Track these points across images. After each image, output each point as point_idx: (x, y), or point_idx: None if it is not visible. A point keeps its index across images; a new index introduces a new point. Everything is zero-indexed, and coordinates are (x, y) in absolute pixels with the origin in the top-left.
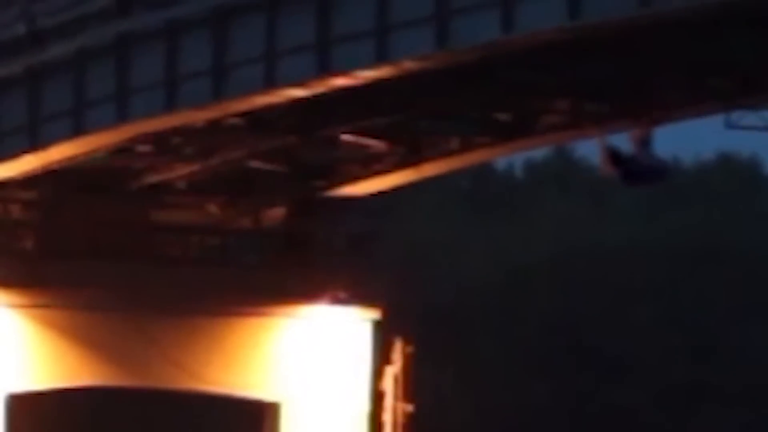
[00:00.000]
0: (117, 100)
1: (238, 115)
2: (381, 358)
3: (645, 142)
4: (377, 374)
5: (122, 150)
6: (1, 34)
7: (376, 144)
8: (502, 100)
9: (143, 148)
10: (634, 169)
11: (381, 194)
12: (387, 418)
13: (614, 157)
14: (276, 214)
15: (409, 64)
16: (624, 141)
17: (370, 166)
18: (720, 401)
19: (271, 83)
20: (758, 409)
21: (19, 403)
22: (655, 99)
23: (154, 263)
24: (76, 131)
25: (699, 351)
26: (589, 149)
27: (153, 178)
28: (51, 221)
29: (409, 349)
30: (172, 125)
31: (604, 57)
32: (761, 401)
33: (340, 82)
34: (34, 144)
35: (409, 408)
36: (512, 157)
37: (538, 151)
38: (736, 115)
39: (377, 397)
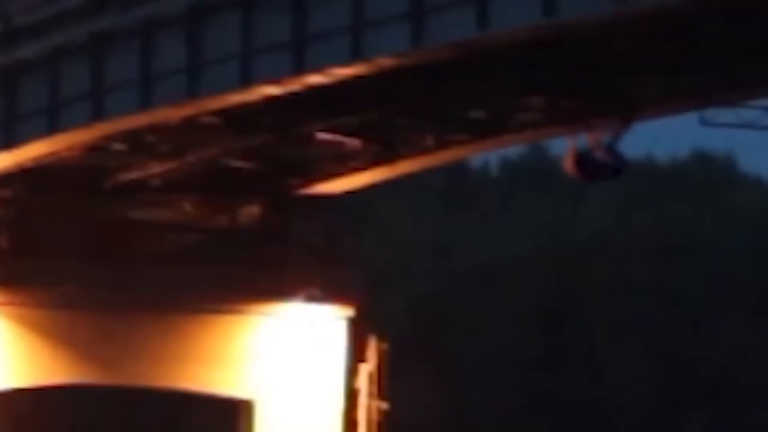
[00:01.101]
0: (92, 98)
1: (213, 113)
2: (355, 355)
3: (603, 141)
4: (352, 372)
5: (97, 148)
6: None
7: (351, 142)
8: (477, 97)
9: (118, 146)
10: (593, 166)
11: (356, 192)
12: (361, 415)
13: (578, 157)
14: (251, 211)
15: (384, 62)
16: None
17: (346, 164)
18: (695, 397)
19: (246, 81)
20: (728, 405)
21: None
22: (630, 96)
23: (129, 261)
24: (51, 129)
25: (673, 347)
26: (565, 147)
27: (128, 176)
28: (26, 219)
29: (384, 346)
30: (148, 123)
31: (579, 55)
32: (732, 396)
33: (316, 79)
34: (9, 142)
35: (384, 406)
36: (487, 155)
37: (514, 148)
38: (711, 113)
39: (351, 395)
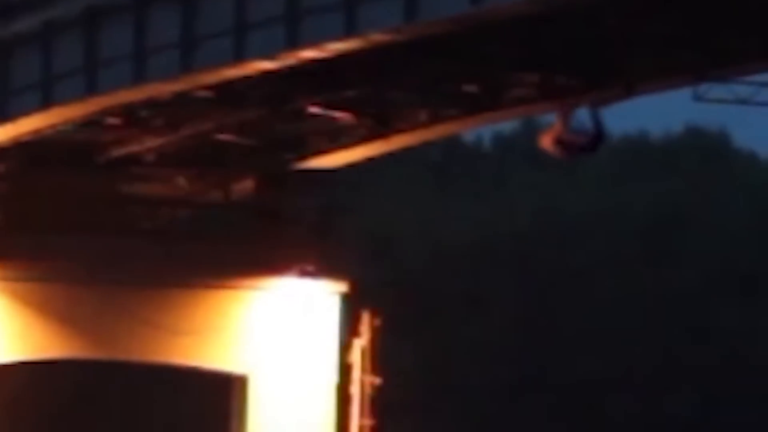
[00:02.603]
0: (85, 72)
1: (206, 88)
2: (348, 330)
3: (568, 121)
4: (345, 347)
5: (91, 122)
6: None
7: (344, 116)
8: (470, 72)
9: (112, 121)
10: (571, 143)
11: (350, 167)
12: (354, 390)
13: (555, 137)
14: (245, 186)
15: (377, 37)
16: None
17: (339, 139)
18: (687, 375)
19: (240, 56)
20: (723, 381)
21: None
22: (623, 72)
23: (122, 236)
24: (45, 104)
25: (665, 323)
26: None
27: (122, 151)
28: (19, 194)
29: (377, 321)
30: (141, 98)
31: (572, 30)
32: (726, 374)
33: (309, 54)
34: (3, 116)
35: (377, 380)
36: (481, 130)
37: (507, 123)
38: (705, 88)
39: (345, 370)
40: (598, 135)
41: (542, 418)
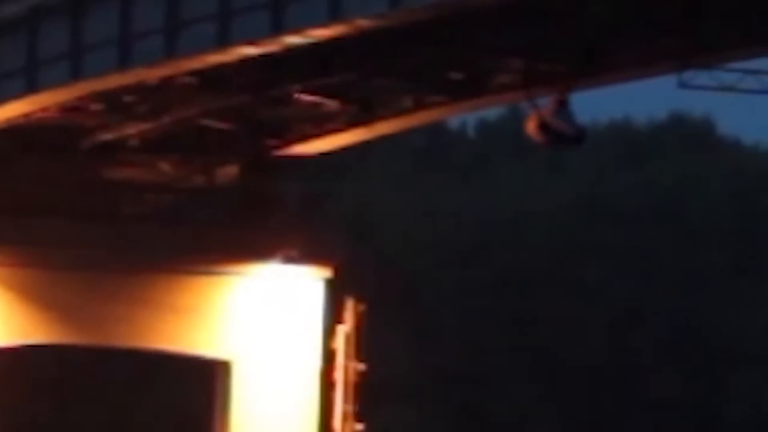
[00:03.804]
0: (70, 58)
1: (191, 74)
2: (333, 316)
3: (560, 109)
4: (329, 333)
5: (75, 108)
6: None
7: (328, 102)
8: (455, 59)
9: (96, 106)
10: (556, 134)
11: (334, 153)
12: (338, 376)
13: (540, 122)
14: (229, 172)
15: (362, 23)
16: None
17: (323, 125)
18: (670, 361)
19: (224, 41)
20: (703, 367)
21: None
22: (608, 59)
23: (106, 221)
24: (29, 89)
25: (647, 310)
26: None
27: (106, 136)
28: (3, 179)
29: (361, 307)
30: (125, 83)
31: (557, 17)
32: (708, 357)
33: (293, 40)
34: None
35: (361, 366)
36: (465, 116)
37: (491, 110)
38: (689, 75)
39: (329, 356)
40: (581, 128)
41: (529, 402)
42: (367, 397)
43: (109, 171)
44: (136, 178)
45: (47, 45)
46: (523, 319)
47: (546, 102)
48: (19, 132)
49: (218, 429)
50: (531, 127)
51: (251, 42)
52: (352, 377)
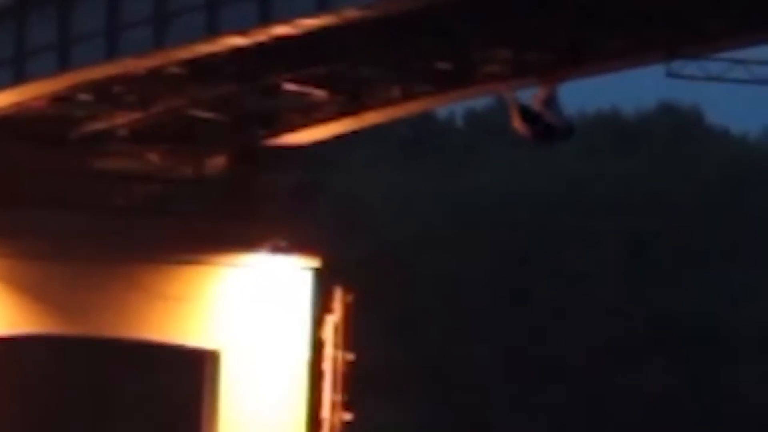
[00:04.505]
0: (58, 48)
1: (179, 64)
2: (321, 306)
3: (549, 101)
4: (317, 323)
5: (63, 98)
6: None
7: (317, 93)
8: (443, 49)
9: (84, 97)
10: (542, 128)
11: (322, 143)
12: (327, 366)
13: (525, 114)
14: (217, 162)
15: (350, 13)
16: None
17: (311, 115)
18: (654, 347)
19: (212, 32)
20: (689, 356)
21: None
22: (596, 49)
23: (95, 212)
24: (18, 79)
25: (634, 299)
26: (530, 98)
27: (94, 127)
28: None
29: (349, 298)
30: (114, 74)
31: (545, 6)
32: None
33: (282, 30)
34: None
35: (349, 356)
36: (453, 106)
37: (479, 100)
38: (678, 65)
39: (317, 346)
40: (569, 122)
41: (518, 395)
42: (355, 386)
43: (97, 161)
44: (125, 169)
45: (35, 35)
46: (511, 308)
47: (531, 94)
48: (7, 122)
49: (207, 418)
50: (516, 121)
51: (239, 32)
52: (340, 367)
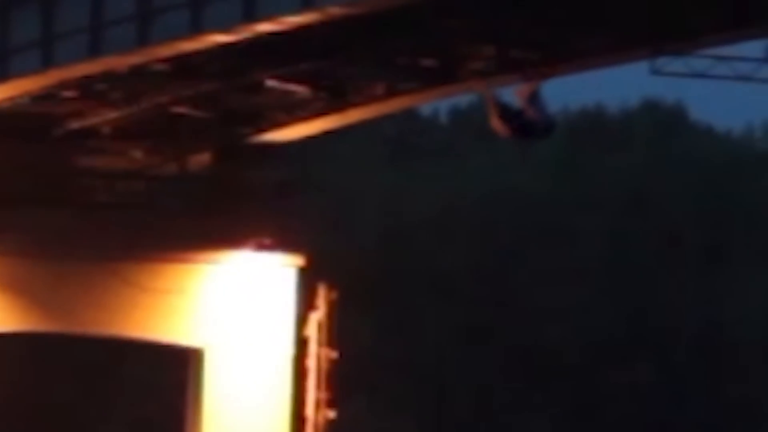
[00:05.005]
0: (42, 45)
1: (163, 61)
2: (305, 304)
3: (532, 97)
4: (301, 320)
5: (47, 95)
6: None
7: (301, 90)
8: (427, 46)
9: (68, 94)
10: (523, 124)
11: (306, 140)
12: (311, 364)
13: (503, 112)
14: (201, 160)
15: (334, 10)
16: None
17: (295, 112)
18: (641, 348)
19: (196, 29)
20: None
21: None
22: (580, 45)
23: (78, 209)
24: (1, 77)
25: (618, 297)
26: (513, 94)
27: (78, 124)
28: None
29: (333, 295)
30: (97, 71)
31: (529, 3)
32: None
33: (266, 27)
34: None
35: (333, 354)
36: (437, 103)
37: (463, 97)
38: (661, 62)
39: (301, 343)
40: (551, 118)
41: (504, 393)
42: (340, 384)
43: (81, 158)
44: (109, 166)
45: (18, 33)
46: (499, 306)
47: (513, 90)
48: None
49: (191, 416)
50: (494, 119)
51: (224, 29)
52: (324, 365)
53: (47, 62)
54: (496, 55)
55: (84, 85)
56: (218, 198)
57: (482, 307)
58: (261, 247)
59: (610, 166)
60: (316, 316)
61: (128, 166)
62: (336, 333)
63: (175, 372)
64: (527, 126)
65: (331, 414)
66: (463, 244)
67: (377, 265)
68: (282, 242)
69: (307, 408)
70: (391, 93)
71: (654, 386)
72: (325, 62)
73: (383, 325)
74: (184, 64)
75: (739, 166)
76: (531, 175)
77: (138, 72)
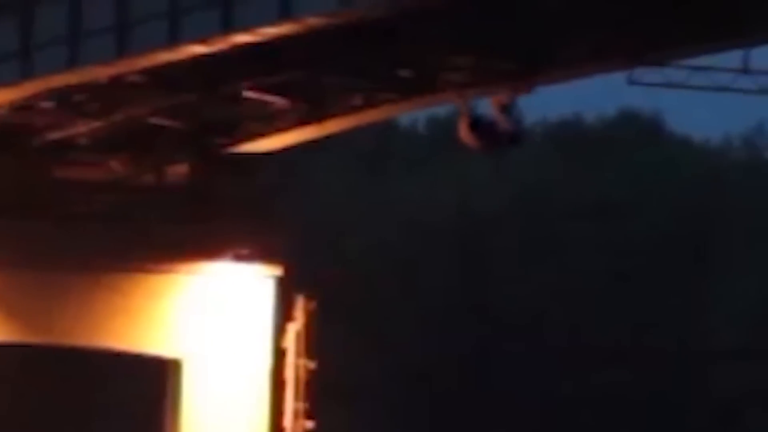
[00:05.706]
0: (20, 56)
1: (141, 72)
2: (283, 314)
3: (506, 108)
4: (279, 331)
5: (24, 106)
6: None
7: (278, 101)
8: (405, 56)
9: (46, 105)
10: (491, 135)
11: (284, 151)
12: (289, 374)
13: (473, 123)
14: (179, 170)
15: (312, 21)
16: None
17: (273, 123)
18: (626, 359)
19: (174, 40)
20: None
21: None
22: (559, 56)
23: (56, 220)
24: None
25: (600, 307)
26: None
27: (55, 135)
28: None
29: (311, 305)
30: (75, 81)
31: (507, 13)
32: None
33: (243, 39)
34: None
35: (311, 365)
36: (415, 114)
37: (442, 107)
38: (639, 72)
39: (279, 354)
40: (521, 127)
41: (483, 405)
42: (318, 395)
43: (59, 170)
44: (87, 177)
45: None
46: (478, 317)
47: (488, 102)
48: None
49: (169, 427)
50: (463, 131)
51: (201, 40)
52: (302, 376)
53: (25, 73)
54: (474, 66)
55: (62, 95)
56: (196, 209)
57: (460, 316)
58: (239, 257)
59: (588, 177)
60: (294, 327)
61: (106, 177)
62: (314, 343)
63: (152, 383)
64: (495, 137)
65: (310, 424)
66: (441, 254)
67: (356, 275)
68: (260, 253)
69: (286, 418)
70: (369, 104)
71: (635, 391)
72: (302, 73)
73: (362, 335)
74: (162, 75)
75: (717, 177)
76: (509, 186)
77: (116, 83)
